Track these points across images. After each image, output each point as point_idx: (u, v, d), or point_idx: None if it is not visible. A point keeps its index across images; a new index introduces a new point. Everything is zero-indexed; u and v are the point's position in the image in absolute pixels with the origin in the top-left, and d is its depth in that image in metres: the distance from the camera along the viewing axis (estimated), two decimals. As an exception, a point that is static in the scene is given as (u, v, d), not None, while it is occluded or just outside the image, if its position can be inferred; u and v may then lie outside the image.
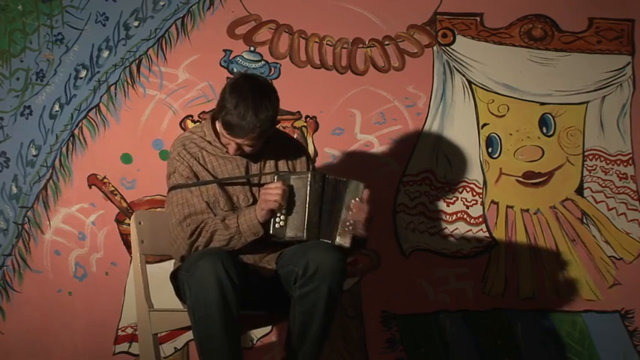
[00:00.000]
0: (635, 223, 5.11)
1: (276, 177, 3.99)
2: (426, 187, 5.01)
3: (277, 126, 4.73)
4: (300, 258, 3.88)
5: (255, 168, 4.12)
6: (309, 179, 3.97)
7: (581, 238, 5.09)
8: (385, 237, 4.94)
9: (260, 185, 4.10)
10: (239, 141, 3.99)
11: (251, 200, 4.08)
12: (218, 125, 4.04)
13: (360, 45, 4.97)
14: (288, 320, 3.93)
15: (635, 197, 5.11)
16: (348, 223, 4.02)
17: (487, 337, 5.02)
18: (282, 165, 4.16)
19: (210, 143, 4.11)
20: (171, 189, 4.09)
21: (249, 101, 3.93)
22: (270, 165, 4.14)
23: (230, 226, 3.96)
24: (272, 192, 3.93)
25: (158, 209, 4.75)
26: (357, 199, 4.03)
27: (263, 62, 4.91)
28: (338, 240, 4.02)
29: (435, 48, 5.01)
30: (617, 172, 5.10)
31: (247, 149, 4.04)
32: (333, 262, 3.84)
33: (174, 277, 4.07)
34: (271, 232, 3.97)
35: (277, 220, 3.97)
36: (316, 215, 3.98)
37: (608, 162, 5.09)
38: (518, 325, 5.04)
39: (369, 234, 4.07)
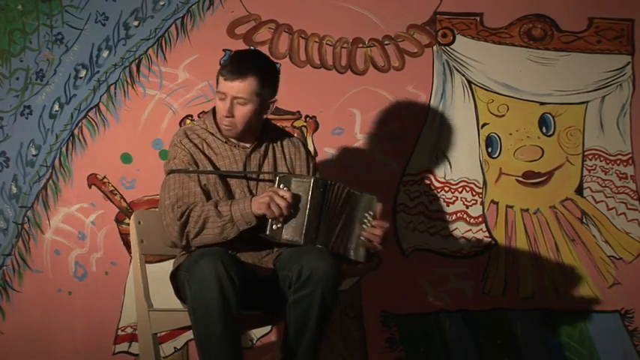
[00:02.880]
0: (635, 223, 5.11)
1: (277, 178, 3.98)
2: (425, 187, 5.01)
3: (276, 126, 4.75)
4: (294, 263, 3.87)
5: (254, 164, 4.12)
6: (311, 184, 3.96)
7: (581, 238, 5.09)
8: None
9: (258, 181, 4.09)
10: (235, 87, 3.97)
11: (248, 195, 4.07)
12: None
13: (360, 45, 4.97)
14: (284, 323, 3.94)
15: (635, 197, 5.11)
16: (362, 238, 4.01)
17: (487, 336, 5.02)
18: (281, 161, 4.16)
19: (212, 134, 4.11)
20: (169, 172, 4.08)
21: (249, 54, 4.14)
22: (268, 161, 4.14)
23: (223, 213, 3.94)
24: (278, 200, 3.90)
25: (158, 209, 4.75)
26: (370, 212, 4.01)
27: (263, 62, 4.91)
28: (352, 255, 4.00)
29: (434, 48, 5.01)
30: (617, 171, 5.10)
31: (239, 111, 4.00)
32: (327, 267, 3.84)
33: (174, 277, 4.07)
34: (267, 232, 3.95)
35: (275, 221, 3.96)
36: (315, 221, 3.96)
37: (607, 162, 5.09)
38: (518, 325, 5.04)
39: (383, 249, 4.06)
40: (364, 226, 4.01)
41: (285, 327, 3.93)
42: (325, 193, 3.97)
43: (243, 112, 4.02)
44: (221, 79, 4.02)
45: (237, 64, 4.00)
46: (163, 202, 4.04)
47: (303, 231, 3.94)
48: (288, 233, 3.95)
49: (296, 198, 3.94)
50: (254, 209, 3.93)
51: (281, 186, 3.95)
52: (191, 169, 4.05)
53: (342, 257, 3.99)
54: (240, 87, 3.98)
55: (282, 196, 3.90)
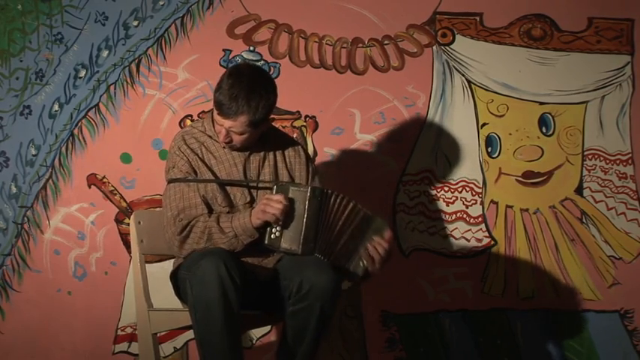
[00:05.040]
0: (635, 223, 5.11)
1: (275, 187, 3.98)
2: (425, 187, 5.01)
3: (277, 126, 4.75)
4: (295, 275, 3.88)
5: (253, 166, 4.12)
6: (308, 193, 3.94)
7: (581, 238, 5.08)
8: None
9: (258, 182, 4.09)
10: (227, 124, 3.97)
11: (248, 199, 4.07)
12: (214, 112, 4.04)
13: (360, 45, 4.97)
14: (282, 329, 3.94)
15: (635, 197, 5.11)
16: (364, 257, 3.99)
17: (486, 336, 5.03)
18: (281, 163, 4.16)
19: (211, 137, 4.11)
20: (170, 181, 4.08)
21: (244, 84, 3.95)
22: (269, 163, 4.13)
23: (225, 229, 3.96)
24: (273, 205, 3.91)
25: (157, 209, 4.74)
26: (378, 237, 4.00)
27: (262, 62, 4.91)
28: (352, 269, 3.99)
29: (434, 48, 5.01)
30: (617, 171, 5.10)
31: (236, 138, 4.01)
32: (327, 281, 3.84)
33: (174, 276, 4.08)
34: (266, 242, 3.95)
35: (273, 230, 3.95)
36: (313, 230, 3.95)
37: (607, 162, 5.09)
38: (518, 325, 5.04)
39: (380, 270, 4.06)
40: (369, 247, 3.99)
41: (282, 335, 3.95)
42: (323, 202, 3.95)
43: (240, 138, 4.03)
44: (215, 110, 4.01)
45: (228, 103, 3.94)
46: (165, 213, 4.06)
47: (301, 240, 3.93)
48: (286, 242, 3.95)
49: (293, 205, 3.93)
50: (253, 221, 3.94)
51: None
52: (190, 177, 4.05)
53: (342, 270, 3.99)
54: (233, 124, 3.98)
55: (277, 199, 3.90)
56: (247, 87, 3.95)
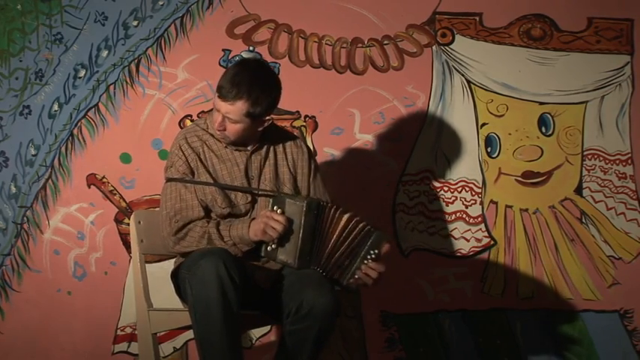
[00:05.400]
0: (634, 223, 5.11)
1: (271, 199, 3.97)
2: (425, 187, 5.01)
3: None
4: (295, 293, 3.88)
5: (255, 165, 4.11)
6: (304, 207, 3.92)
7: (580, 238, 5.09)
8: (384, 237, 4.94)
9: (259, 190, 4.09)
10: (224, 109, 3.95)
11: (249, 198, 4.07)
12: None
13: (359, 45, 4.97)
14: (279, 340, 3.95)
15: (634, 197, 5.11)
16: (358, 273, 3.96)
17: (486, 336, 5.02)
18: (282, 161, 4.15)
19: (213, 136, 4.10)
20: (168, 180, 4.08)
21: (246, 74, 3.95)
22: (270, 162, 4.13)
23: (224, 237, 3.97)
24: (272, 225, 3.90)
25: (157, 209, 4.73)
26: (375, 251, 3.97)
27: (262, 62, 4.91)
28: (344, 282, 3.97)
29: (434, 48, 5.01)
30: (616, 171, 5.10)
31: (230, 128, 3.99)
32: (327, 304, 3.84)
33: (175, 275, 4.08)
34: (262, 253, 3.96)
35: (270, 242, 3.95)
36: (309, 243, 3.94)
37: (607, 162, 5.10)
38: (518, 325, 5.04)
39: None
40: (365, 261, 3.97)
41: (280, 343, 3.97)
42: (319, 215, 3.94)
43: (234, 128, 4.02)
44: (216, 93, 4.01)
45: (229, 87, 3.93)
46: (161, 211, 4.06)
47: (297, 254, 3.93)
48: (282, 254, 3.95)
49: (290, 220, 3.93)
50: (251, 235, 3.94)
51: (274, 207, 3.94)
52: (188, 178, 4.04)
53: (336, 281, 3.99)
54: (230, 109, 3.97)
55: (277, 220, 3.90)
56: (251, 77, 3.95)
